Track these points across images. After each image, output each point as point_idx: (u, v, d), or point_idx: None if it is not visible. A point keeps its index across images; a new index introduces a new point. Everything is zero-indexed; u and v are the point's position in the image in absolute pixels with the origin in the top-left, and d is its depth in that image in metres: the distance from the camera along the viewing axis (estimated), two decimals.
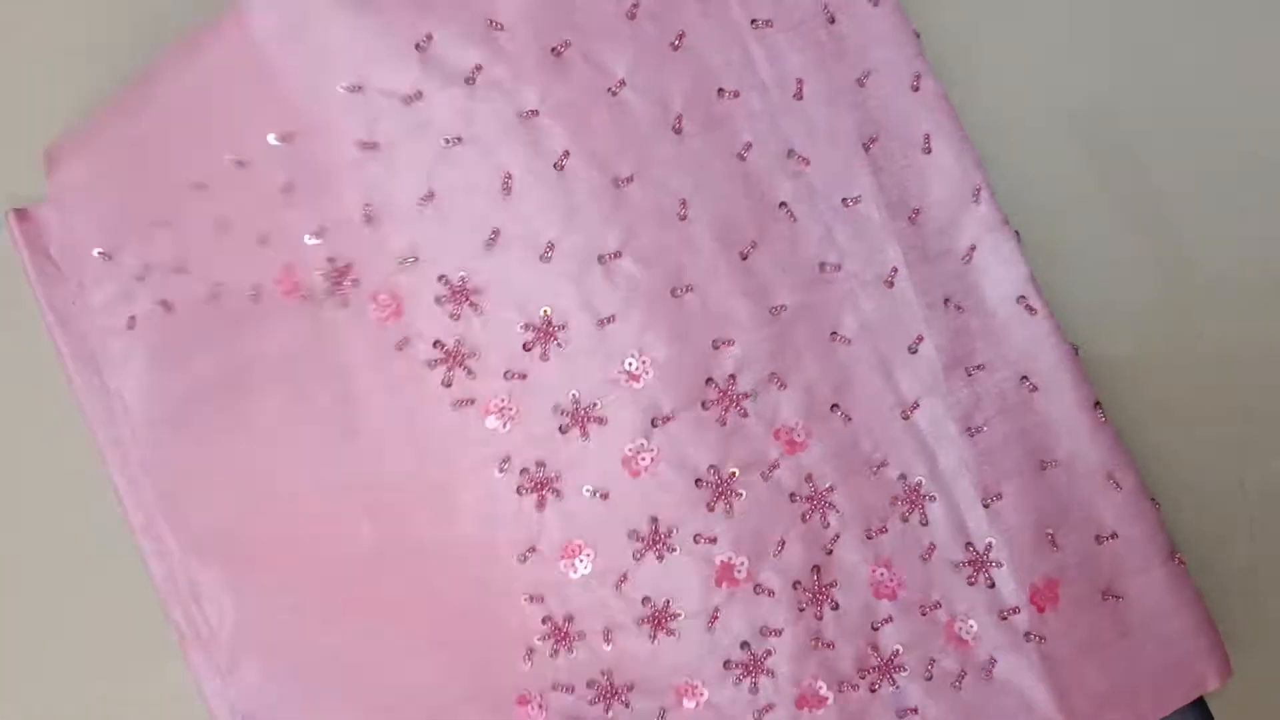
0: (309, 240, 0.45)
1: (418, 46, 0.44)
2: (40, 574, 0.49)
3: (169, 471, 0.46)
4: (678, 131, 0.45)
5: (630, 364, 0.45)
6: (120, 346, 0.46)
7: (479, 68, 0.44)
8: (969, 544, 0.45)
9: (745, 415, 0.45)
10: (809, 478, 0.45)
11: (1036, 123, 0.48)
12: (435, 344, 0.44)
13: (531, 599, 0.45)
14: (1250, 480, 0.48)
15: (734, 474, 0.45)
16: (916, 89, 0.46)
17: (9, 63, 0.50)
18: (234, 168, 0.45)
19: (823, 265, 0.45)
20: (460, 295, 0.44)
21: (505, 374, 0.44)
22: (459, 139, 0.44)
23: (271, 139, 0.45)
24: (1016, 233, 0.46)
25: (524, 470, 0.44)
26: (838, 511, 0.45)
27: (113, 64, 0.48)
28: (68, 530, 0.49)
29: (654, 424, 0.45)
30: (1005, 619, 0.44)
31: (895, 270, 0.45)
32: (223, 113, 0.45)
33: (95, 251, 0.46)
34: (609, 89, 0.45)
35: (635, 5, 0.45)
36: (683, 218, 0.45)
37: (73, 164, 0.46)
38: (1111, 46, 0.49)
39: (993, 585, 0.45)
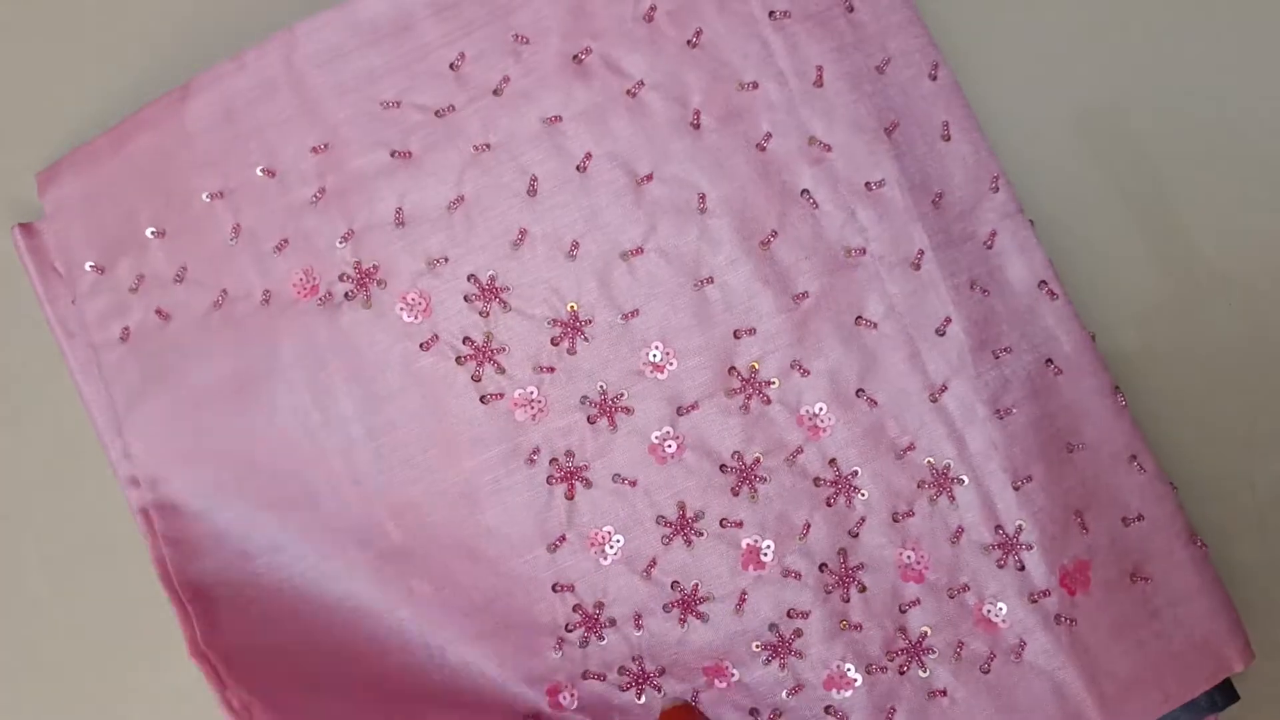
0: (338, 245, 0.46)
1: (452, 66, 0.46)
2: (54, 580, 0.49)
3: (168, 482, 0.47)
4: (696, 126, 0.46)
5: (654, 355, 0.46)
6: (114, 359, 0.47)
7: (506, 79, 0.46)
8: (999, 526, 0.45)
9: (769, 402, 0.46)
10: (833, 462, 0.45)
11: (1046, 119, 0.48)
12: (465, 340, 0.46)
13: (561, 588, 0.46)
14: (1260, 479, 0.47)
15: (758, 459, 0.46)
16: (934, 78, 0.46)
17: (16, 77, 0.51)
18: (262, 177, 0.46)
19: (848, 250, 0.46)
20: (489, 293, 0.46)
21: (534, 368, 0.46)
22: (487, 146, 0.46)
23: (305, 150, 0.46)
24: (1030, 221, 0.46)
25: (553, 460, 0.46)
26: (863, 495, 0.45)
27: (122, 80, 0.50)
28: (81, 538, 0.49)
29: (679, 412, 0.46)
30: (1035, 601, 0.44)
31: (921, 252, 0.45)
32: (256, 125, 0.46)
33: (88, 265, 0.47)
34: (628, 90, 0.46)
35: (653, 8, 0.46)
36: (702, 210, 0.46)
37: (67, 180, 0.48)
38: (1121, 43, 0.48)
39: (1023, 568, 0.45)
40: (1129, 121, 0.48)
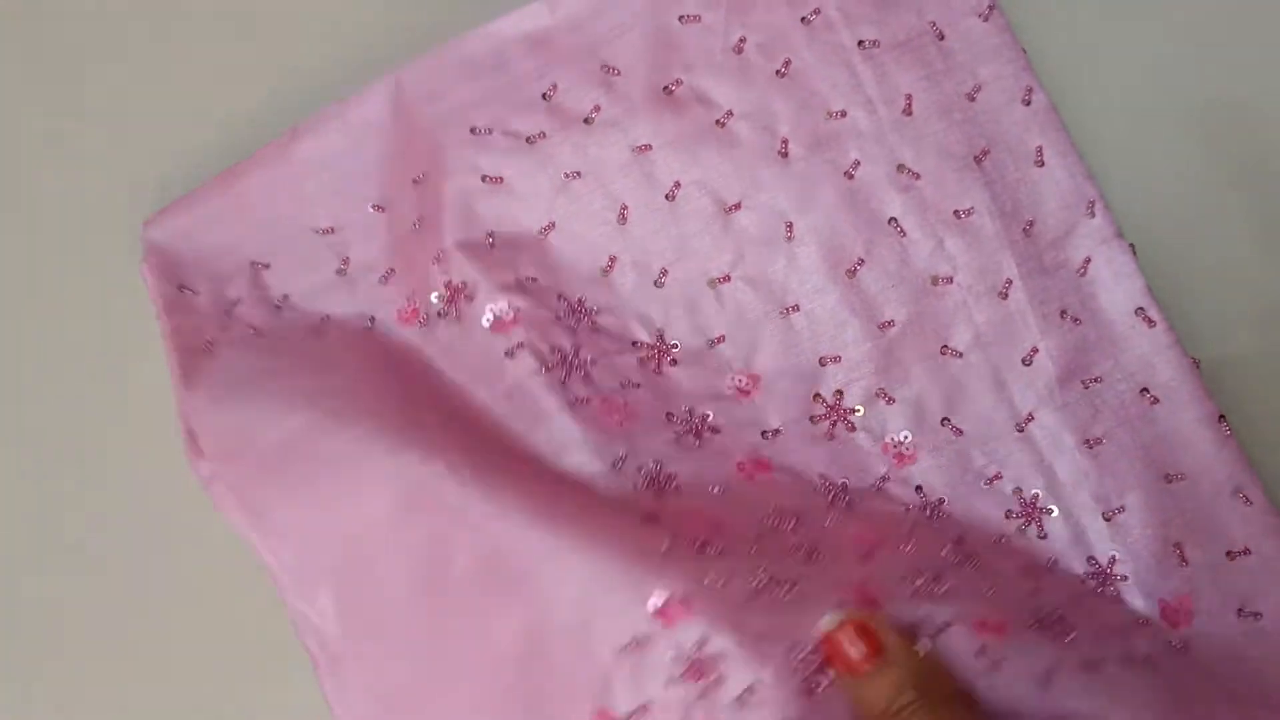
0: (432, 267, 0.47)
1: (544, 96, 0.48)
2: (170, 609, 0.50)
3: (264, 504, 0.46)
4: (784, 155, 0.46)
5: (740, 380, 0.47)
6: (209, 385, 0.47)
7: (597, 108, 0.48)
8: (1091, 557, 0.44)
9: (853, 429, 0.46)
10: (919, 489, 0.45)
11: (1155, 127, 0.47)
12: (553, 349, 0.46)
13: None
14: None
15: (844, 485, 0.46)
16: (1028, 103, 0.46)
17: (138, 125, 0.53)
18: (372, 213, 0.49)
19: (934, 278, 0.46)
20: (579, 313, 0.47)
21: (620, 384, 0.46)
22: (578, 174, 0.48)
23: (406, 183, 0.48)
24: (1131, 245, 0.45)
25: (640, 468, 0.46)
26: (950, 523, 0.45)
27: (238, 113, 0.52)
28: (198, 561, 0.50)
29: (764, 437, 0.46)
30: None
31: (1010, 282, 0.45)
32: (362, 165, 0.49)
33: (194, 291, 0.48)
34: (717, 120, 0.47)
35: (742, 40, 0.47)
36: (789, 239, 0.46)
37: (177, 217, 0.49)
38: (1232, 45, 0.47)
39: (1119, 600, 0.44)
40: (1242, 133, 0.46)
